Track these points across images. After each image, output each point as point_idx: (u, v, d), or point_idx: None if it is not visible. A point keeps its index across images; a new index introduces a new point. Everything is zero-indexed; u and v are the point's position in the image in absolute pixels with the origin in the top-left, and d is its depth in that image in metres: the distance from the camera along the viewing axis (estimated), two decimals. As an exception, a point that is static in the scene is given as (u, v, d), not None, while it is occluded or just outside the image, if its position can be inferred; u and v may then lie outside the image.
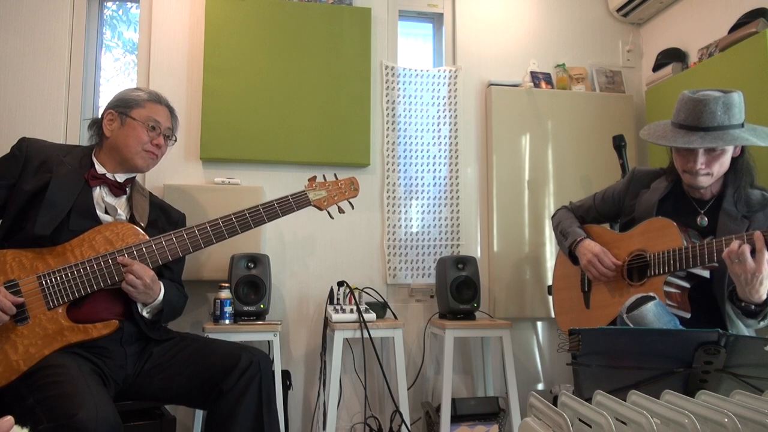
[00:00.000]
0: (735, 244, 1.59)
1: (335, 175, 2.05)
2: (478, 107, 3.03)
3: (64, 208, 1.67)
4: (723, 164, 1.81)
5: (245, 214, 1.81)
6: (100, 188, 1.78)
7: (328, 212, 1.99)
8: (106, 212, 1.78)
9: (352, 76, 2.80)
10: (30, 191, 1.66)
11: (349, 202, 2.04)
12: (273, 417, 1.70)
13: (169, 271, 1.90)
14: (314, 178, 1.98)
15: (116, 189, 1.81)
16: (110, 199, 1.79)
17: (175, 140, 1.95)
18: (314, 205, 1.96)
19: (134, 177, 1.90)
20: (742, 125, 1.77)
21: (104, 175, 1.79)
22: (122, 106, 1.82)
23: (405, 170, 2.91)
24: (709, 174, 1.80)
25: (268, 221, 1.85)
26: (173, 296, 1.84)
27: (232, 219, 1.79)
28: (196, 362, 1.71)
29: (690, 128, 1.77)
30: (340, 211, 2.01)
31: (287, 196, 1.89)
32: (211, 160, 2.69)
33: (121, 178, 1.83)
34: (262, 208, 1.83)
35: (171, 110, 1.93)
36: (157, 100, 1.87)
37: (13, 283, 1.56)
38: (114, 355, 1.66)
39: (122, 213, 1.80)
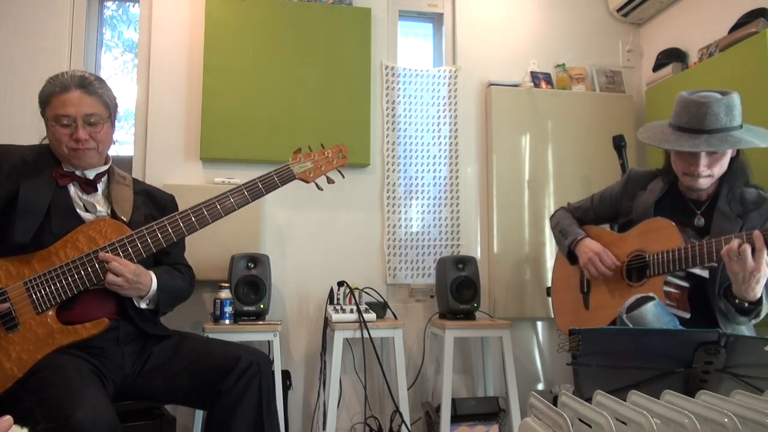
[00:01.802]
0: (735, 242, 1.59)
1: (321, 144, 1.90)
2: (478, 107, 3.03)
3: (40, 212, 1.62)
4: (723, 165, 1.81)
5: (227, 196, 1.74)
6: (73, 186, 1.71)
7: (316, 184, 1.88)
8: (87, 210, 1.72)
9: (352, 76, 2.80)
10: (3, 198, 1.61)
11: (339, 171, 1.93)
12: (273, 418, 1.69)
13: (167, 255, 1.86)
14: (299, 150, 1.86)
15: (86, 186, 1.73)
16: (85, 197, 1.73)
17: (116, 115, 1.74)
18: (300, 179, 1.84)
19: (107, 169, 1.79)
20: (741, 126, 1.78)
21: (73, 172, 1.71)
22: (40, 106, 1.66)
23: (405, 170, 2.91)
24: (711, 176, 1.80)
25: (252, 201, 1.76)
26: (170, 282, 1.79)
27: (214, 203, 1.73)
28: (195, 362, 1.69)
29: (694, 131, 1.76)
30: (329, 181, 1.88)
31: (270, 172, 1.79)
32: (211, 160, 2.69)
33: (90, 174, 1.74)
34: (245, 188, 1.76)
35: (89, 88, 1.63)
36: (63, 88, 1.61)
37: (1, 291, 1.55)
38: (111, 355, 1.65)
39: (102, 209, 1.74)
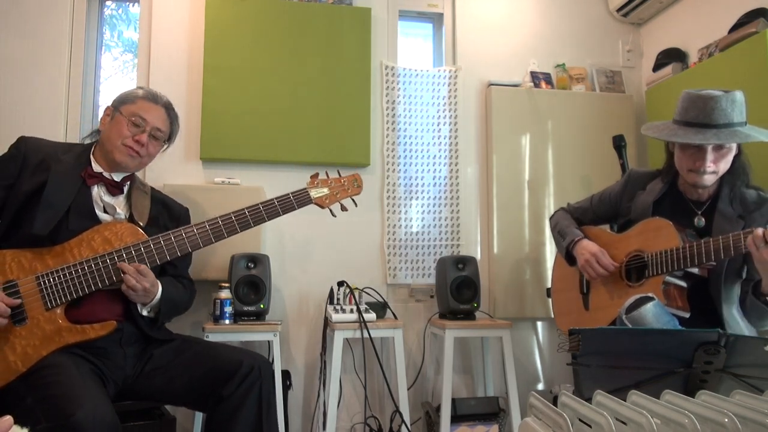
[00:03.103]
0: (759, 230, 1.56)
1: (338, 171, 1.99)
2: (478, 107, 3.03)
3: (61, 208, 1.65)
4: (728, 162, 1.81)
5: (245, 213, 1.78)
6: (98, 187, 1.77)
7: (330, 210, 1.94)
8: (105, 211, 1.76)
9: (352, 76, 2.80)
10: (28, 191, 1.65)
11: (353, 200, 2.00)
12: (273, 423, 1.69)
13: (173, 267, 1.89)
14: (316, 175, 1.93)
15: (113, 188, 1.79)
16: (108, 198, 1.78)
17: (169, 144, 1.92)
18: (316, 203, 1.90)
19: (132, 175, 1.88)
20: (746, 124, 1.78)
21: (101, 173, 1.77)
22: (118, 102, 1.82)
23: (405, 170, 2.91)
24: (715, 172, 1.80)
25: (269, 220, 1.81)
26: (173, 294, 1.82)
27: (231, 218, 1.76)
28: (196, 366, 1.70)
29: (702, 126, 1.75)
30: (343, 209, 1.95)
31: (288, 194, 1.85)
32: (211, 160, 2.69)
33: (117, 176, 1.81)
34: (263, 207, 1.80)
35: (169, 113, 1.87)
36: (153, 99, 1.84)
37: (12, 284, 1.56)
38: (113, 356, 1.66)
39: (121, 212, 1.78)
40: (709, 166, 1.78)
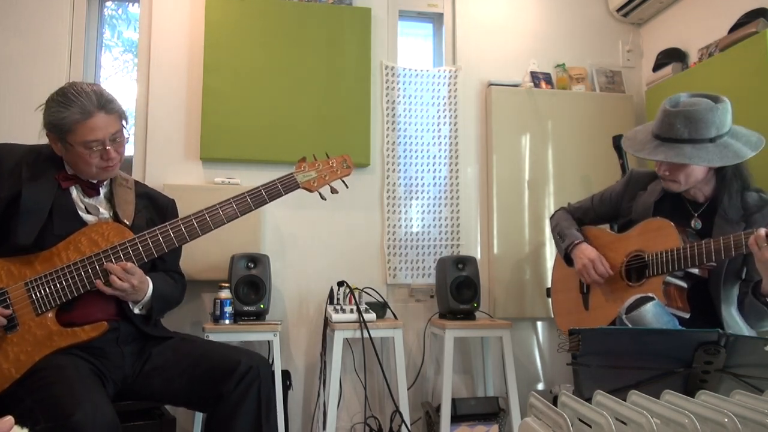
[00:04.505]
0: (762, 230, 1.56)
1: (327, 153, 1.91)
2: (478, 107, 3.03)
3: (42, 214, 1.62)
4: (690, 175, 1.81)
5: (231, 203, 1.74)
6: (75, 188, 1.72)
7: (320, 193, 1.88)
8: (88, 212, 1.72)
9: (352, 76, 2.80)
10: (6, 198, 1.61)
11: (343, 182, 1.93)
12: (272, 423, 1.68)
13: (162, 261, 1.86)
14: (304, 159, 1.87)
15: (89, 189, 1.73)
16: (87, 199, 1.74)
17: (127, 120, 1.73)
18: (303, 188, 1.85)
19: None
20: (711, 140, 1.74)
21: (75, 175, 1.71)
22: (56, 131, 1.62)
23: (405, 170, 2.91)
24: (676, 182, 1.83)
25: (255, 208, 1.77)
26: (164, 289, 1.80)
27: (217, 209, 1.73)
28: (195, 365, 1.69)
29: (656, 137, 1.83)
30: (333, 191, 1.89)
31: (274, 181, 1.80)
32: (211, 160, 2.69)
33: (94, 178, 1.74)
34: (249, 195, 1.76)
35: (105, 106, 1.62)
36: (87, 113, 1.59)
37: (2, 292, 1.56)
38: (111, 355, 1.65)
39: (104, 212, 1.75)
40: (665, 174, 1.83)
